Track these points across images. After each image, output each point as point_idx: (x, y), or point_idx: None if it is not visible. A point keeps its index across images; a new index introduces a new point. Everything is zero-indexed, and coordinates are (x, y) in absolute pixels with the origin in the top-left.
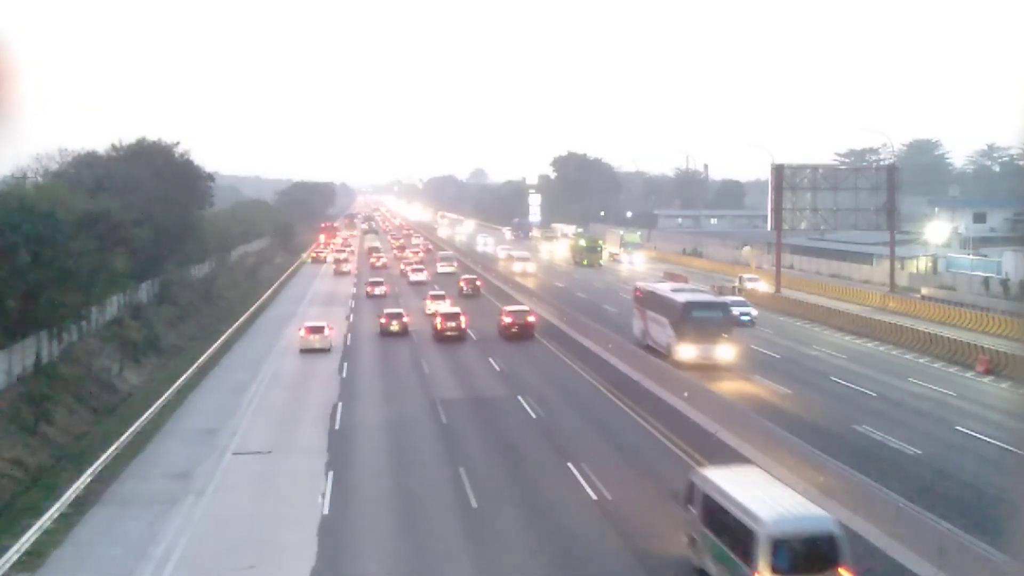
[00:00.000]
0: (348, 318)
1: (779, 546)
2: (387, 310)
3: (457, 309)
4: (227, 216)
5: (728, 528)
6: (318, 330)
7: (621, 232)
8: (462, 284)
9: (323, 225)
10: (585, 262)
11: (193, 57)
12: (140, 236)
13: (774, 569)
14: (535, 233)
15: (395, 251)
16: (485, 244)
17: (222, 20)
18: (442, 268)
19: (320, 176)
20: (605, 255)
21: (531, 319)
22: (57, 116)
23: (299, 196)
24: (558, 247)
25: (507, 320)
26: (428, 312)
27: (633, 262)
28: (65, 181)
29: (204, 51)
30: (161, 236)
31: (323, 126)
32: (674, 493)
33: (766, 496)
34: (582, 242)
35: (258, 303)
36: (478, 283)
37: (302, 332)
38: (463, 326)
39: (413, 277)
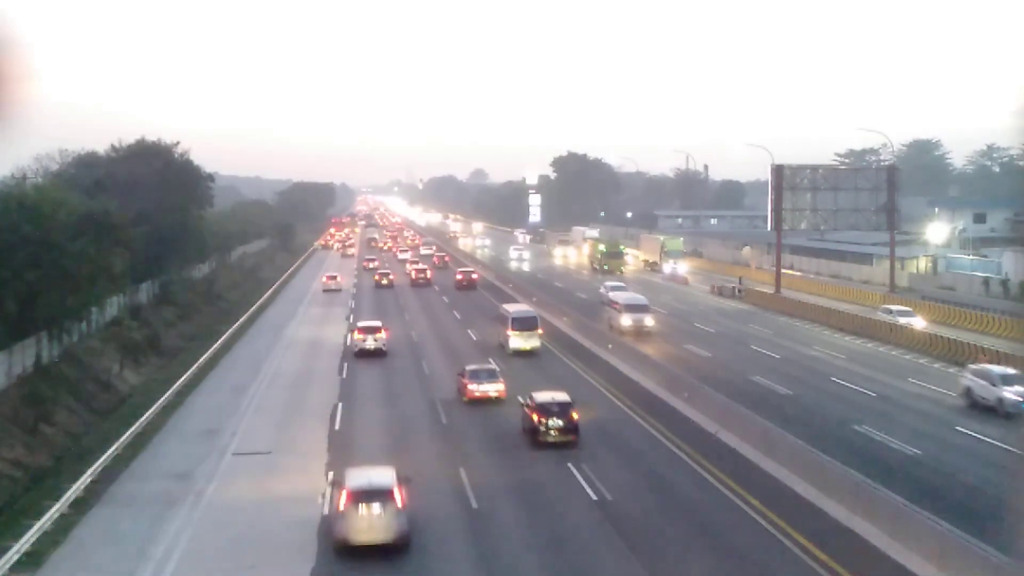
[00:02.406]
0: (353, 282)
1: (515, 320)
2: (379, 270)
3: (425, 266)
4: (227, 216)
5: (504, 320)
6: (334, 278)
7: (661, 238)
8: (435, 260)
9: (332, 220)
10: (606, 267)
11: (193, 57)
12: (140, 236)
13: (512, 328)
14: (548, 237)
15: (389, 240)
16: (521, 259)
17: (222, 20)
18: (423, 251)
19: (320, 176)
20: (635, 263)
21: (475, 276)
22: (57, 116)
23: (299, 197)
24: (573, 252)
25: (459, 277)
26: (407, 272)
27: (677, 273)
28: (65, 182)
29: (204, 51)
30: (161, 236)
31: (323, 126)
32: (494, 318)
33: (517, 308)
34: (602, 247)
35: (262, 300)
36: (447, 259)
37: (324, 279)
38: (429, 277)
39: (400, 256)
